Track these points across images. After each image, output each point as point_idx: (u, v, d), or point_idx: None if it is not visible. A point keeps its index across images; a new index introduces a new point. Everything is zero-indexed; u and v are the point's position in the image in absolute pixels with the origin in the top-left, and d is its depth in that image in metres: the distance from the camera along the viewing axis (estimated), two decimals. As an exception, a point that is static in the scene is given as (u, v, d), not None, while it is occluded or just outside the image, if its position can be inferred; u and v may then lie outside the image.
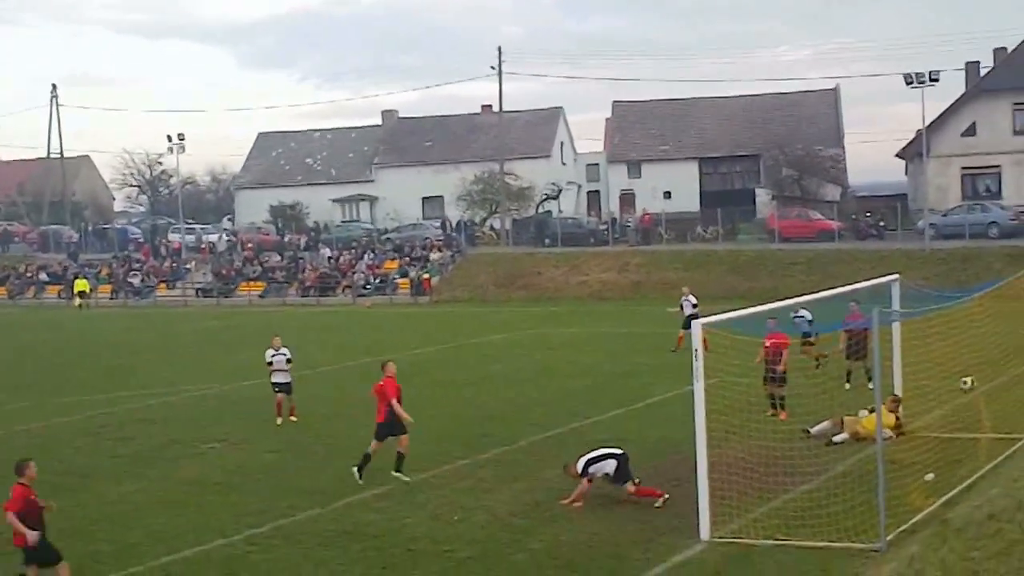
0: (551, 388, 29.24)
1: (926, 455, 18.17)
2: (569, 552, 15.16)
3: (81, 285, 67.75)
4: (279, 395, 25.43)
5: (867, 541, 14.57)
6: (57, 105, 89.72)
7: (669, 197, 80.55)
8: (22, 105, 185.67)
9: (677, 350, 32.46)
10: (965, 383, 23.30)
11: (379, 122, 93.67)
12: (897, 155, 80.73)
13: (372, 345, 39.59)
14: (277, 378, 25.49)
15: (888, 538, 14.57)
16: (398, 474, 19.23)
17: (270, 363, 25.55)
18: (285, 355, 25.57)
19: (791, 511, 16.11)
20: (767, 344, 22.80)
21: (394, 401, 19.19)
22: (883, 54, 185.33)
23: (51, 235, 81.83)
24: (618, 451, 17.91)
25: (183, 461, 22.04)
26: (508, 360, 35.38)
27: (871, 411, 20.67)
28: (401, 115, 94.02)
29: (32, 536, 13.63)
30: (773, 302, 19.90)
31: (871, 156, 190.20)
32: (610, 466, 17.54)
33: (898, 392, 21.00)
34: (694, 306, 34.57)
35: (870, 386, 22.59)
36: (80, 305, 65.27)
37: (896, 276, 21.02)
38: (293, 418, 25.25)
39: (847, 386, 24.85)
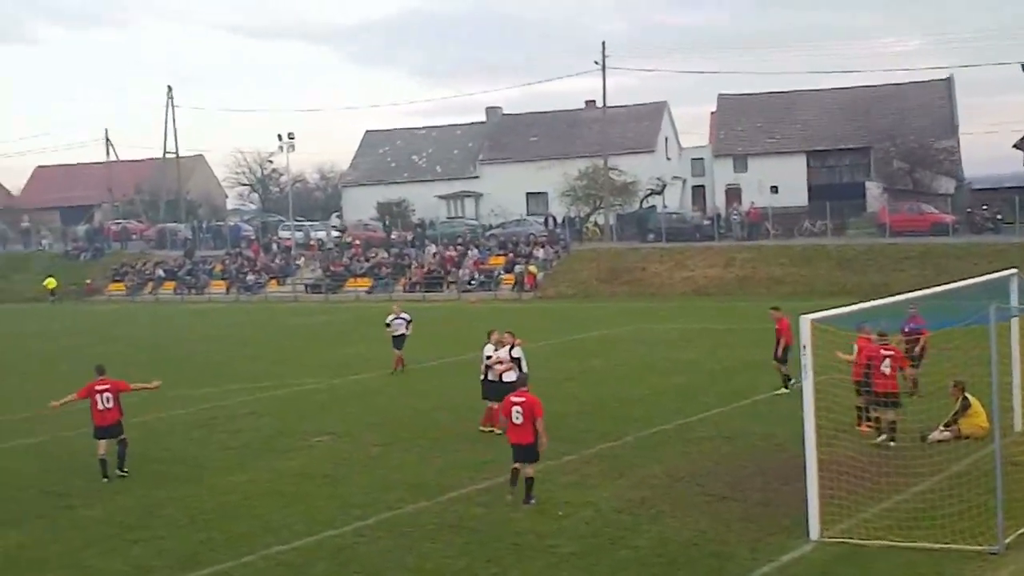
0: (655, 384, 29.07)
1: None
2: (674, 549, 15.04)
3: (50, 283, 72.28)
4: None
5: (983, 544, 14.19)
6: (172, 106, 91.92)
7: (776, 191, 79.54)
8: (141, 106, 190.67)
9: (395, 372, 32.65)
10: None
11: (483, 119, 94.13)
12: (1014, 146, 78.46)
13: (476, 340, 39.71)
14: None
15: (1006, 541, 14.17)
16: None
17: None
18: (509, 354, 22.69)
19: (903, 512, 15.78)
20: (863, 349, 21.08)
21: None
22: (1000, 43, 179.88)
23: (167, 233, 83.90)
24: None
25: (291, 453, 22.41)
26: (611, 355, 35.27)
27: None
28: (505, 111, 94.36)
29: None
30: (882, 298, 19.46)
31: (988, 147, 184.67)
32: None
33: (1016, 390, 20.38)
34: (409, 322, 33.30)
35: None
36: (53, 301, 70.12)
37: (1014, 270, 20.38)
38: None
39: None
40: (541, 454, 17.64)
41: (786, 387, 25.67)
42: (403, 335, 33.11)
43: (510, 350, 22.81)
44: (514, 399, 17.65)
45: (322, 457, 21.93)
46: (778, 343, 26.15)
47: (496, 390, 22.23)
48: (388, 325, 33.45)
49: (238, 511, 18.05)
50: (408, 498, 18.20)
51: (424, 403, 27.14)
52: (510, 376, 22.10)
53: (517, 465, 17.55)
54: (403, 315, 33.52)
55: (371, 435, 23.79)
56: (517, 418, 17.45)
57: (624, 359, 34.35)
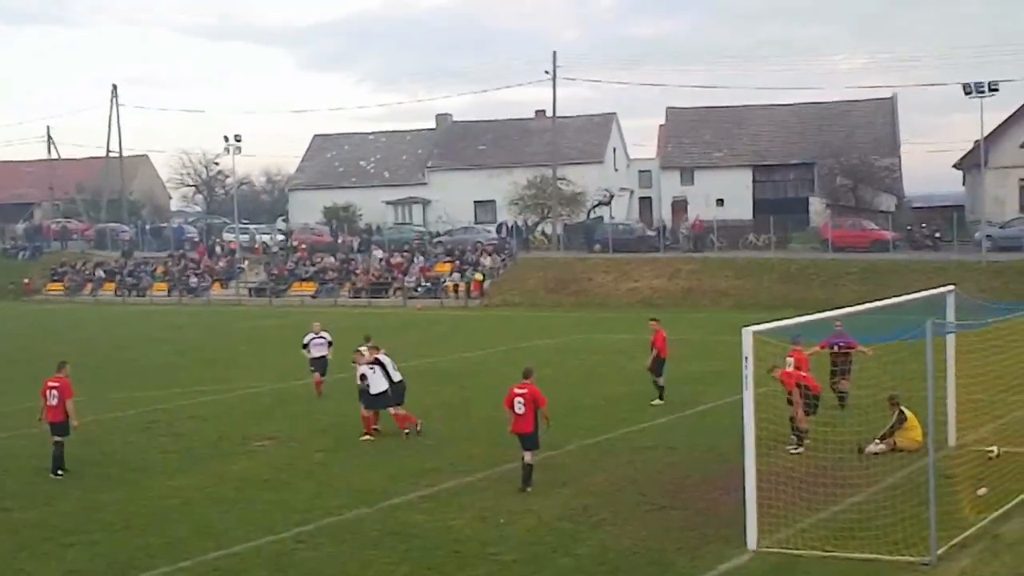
0: (599, 394, 29.21)
1: (979, 469, 17.97)
2: (615, 558, 15.14)
3: None
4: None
5: (917, 555, 14.42)
6: (117, 105, 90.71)
7: (721, 204, 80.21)
8: (85, 104, 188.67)
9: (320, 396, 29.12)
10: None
11: (433, 125, 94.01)
12: (954, 166, 79.82)
13: (422, 347, 39.72)
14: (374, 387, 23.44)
15: (938, 552, 14.40)
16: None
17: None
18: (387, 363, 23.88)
19: (840, 522, 15.99)
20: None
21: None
22: (943, 63, 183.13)
23: (108, 233, 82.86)
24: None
25: (233, 458, 22.25)
26: (557, 365, 35.31)
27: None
28: (455, 119, 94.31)
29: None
30: (824, 312, 19.72)
31: (928, 166, 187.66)
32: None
33: (951, 405, 20.72)
34: (330, 344, 29.61)
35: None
36: None
37: (951, 287, 20.75)
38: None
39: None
40: (540, 442, 18.71)
41: (661, 399, 26.76)
42: (324, 357, 29.44)
43: (374, 357, 23.74)
44: (517, 390, 18.53)
45: (265, 462, 21.80)
46: (655, 355, 27.06)
47: (365, 399, 23.64)
48: (305, 346, 29.77)
49: (177, 516, 17.89)
50: (350, 504, 18.16)
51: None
52: (375, 386, 23.30)
53: (526, 455, 18.49)
54: (323, 334, 29.72)
55: (315, 440, 23.70)
56: (519, 408, 18.35)
57: (571, 368, 34.47)
